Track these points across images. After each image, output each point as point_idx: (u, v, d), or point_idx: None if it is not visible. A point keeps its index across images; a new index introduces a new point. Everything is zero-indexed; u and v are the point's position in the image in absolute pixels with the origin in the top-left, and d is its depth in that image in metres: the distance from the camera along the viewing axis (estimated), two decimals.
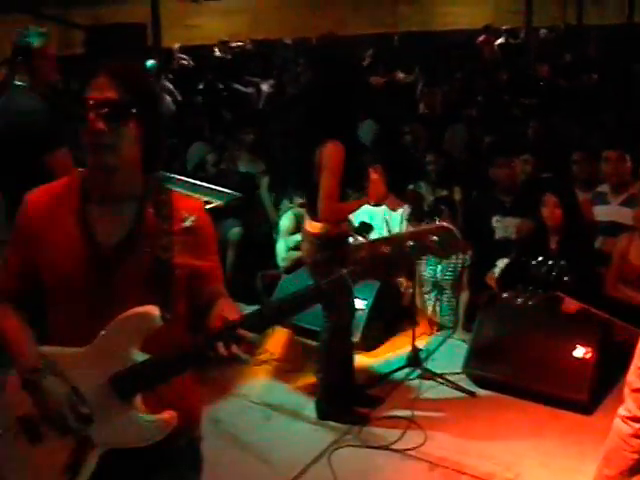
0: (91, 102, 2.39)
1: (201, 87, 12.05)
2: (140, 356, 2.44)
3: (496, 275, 6.13)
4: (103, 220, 2.52)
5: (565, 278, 5.51)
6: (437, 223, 2.27)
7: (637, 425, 3.64)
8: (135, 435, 2.49)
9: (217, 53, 15.07)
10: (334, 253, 4.79)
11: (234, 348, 2.30)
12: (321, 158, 4.74)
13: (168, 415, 2.47)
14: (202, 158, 8.05)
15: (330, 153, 4.71)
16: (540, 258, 5.15)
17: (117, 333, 2.44)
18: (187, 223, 2.56)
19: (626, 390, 3.69)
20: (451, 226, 2.28)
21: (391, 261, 2.25)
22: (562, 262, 5.59)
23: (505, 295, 5.82)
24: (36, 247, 2.54)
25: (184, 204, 2.62)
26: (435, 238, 2.24)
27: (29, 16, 11.04)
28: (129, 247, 2.50)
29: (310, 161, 4.79)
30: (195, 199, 2.73)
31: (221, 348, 2.30)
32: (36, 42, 4.90)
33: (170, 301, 2.50)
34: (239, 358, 2.31)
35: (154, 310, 2.41)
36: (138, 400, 2.47)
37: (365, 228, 4.87)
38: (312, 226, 4.89)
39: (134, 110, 2.42)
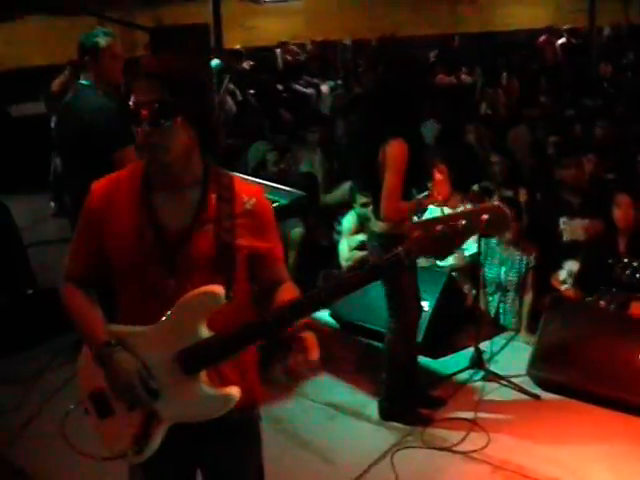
0: (134, 105, 2.47)
1: (258, 88, 12.10)
2: (206, 333, 2.54)
3: (561, 277, 6.06)
4: (167, 206, 2.61)
5: None
6: (489, 203, 2.33)
7: None
8: (201, 409, 2.60)
9: (280, 57, 15.12)
10: None
11: (298, 325, 2.49)
12: (385, 157, 4.71)
13: (233, 390, 2.59)
14: (263, 157, 8.06)
15: (393, 151, 4.68)
16: (625, 260, 5.09)
17: (184, 311, 2.55)
18: (248, 206, 2.64)
19: None
20: (502, 206, 2.31)
21: (445, 239, 2.28)
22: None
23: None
24: (103, 234, 2.64)
25: (244, 188, 2.69)
26: (486, 217, 2.27)
27: (93, 19, 11.18)
28: (194, 231, 2.59)
29: (374, 160, 4.77)
30: (255, 184, 2.82)
31: (286, 325, 2.51)
32: (103, 41, 4.97)
33: (232, 281, 2.59)
34: (302, 338, 2.51)
35: (219, 289, 2.52)
36: (203, 376, 2.57)
37: None
38: (376, 225, 4.87)
39: (178, 106, 2.47)
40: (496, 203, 2.33)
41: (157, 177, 2.61)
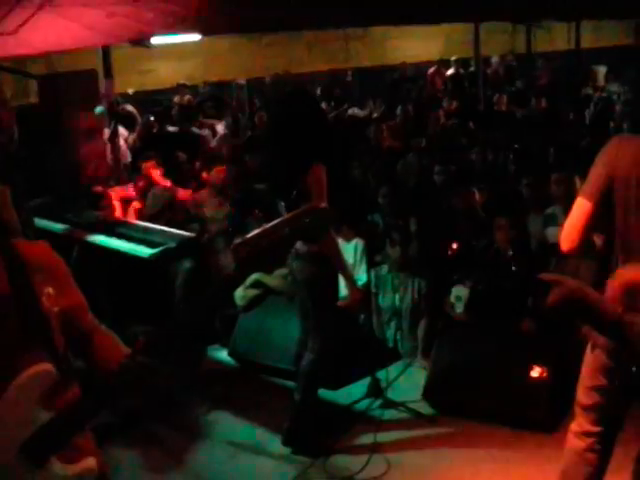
0: None
1: (150, 131, 12.13)
2: (45, 415, 2.30)
3: (450, 302, 6.20)
4: None
5: (528, 300, 5.62)
6: (309, 205, 2.25)
7: (590, 439, 3.70)
8: None
9: (176, 98, 15.09)
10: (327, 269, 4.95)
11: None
12: (310, 183, 4.70)
13: (89, 462, 2.39)
14: (165, 202, 7.99)
15: (317, 176, 4.71)
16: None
17: (15, 401, 2.28)
18: (42, 267, 2.44)
19: (577, 407, 3.77)
20: (322, 205, 2.28)
21: (273, 252, 2.24)
22: (525, 284, 5.71)
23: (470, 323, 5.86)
24: None
25: (31, 249, 2.49)
26: (307, 220, 2.26)
27: None
28: None
29: (294, 188, 4.79)
30: (39, 242, 2.58)
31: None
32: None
33: (59, 350, 2.41)
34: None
35: (47, 366, 2.31)
36: (54, 459, 2.31)
37: None
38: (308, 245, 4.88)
39: None
40: (315, 204, 2.28)
41: None
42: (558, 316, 2.62)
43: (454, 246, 6.26)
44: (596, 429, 3.68)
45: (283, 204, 5.07)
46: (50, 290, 2.42)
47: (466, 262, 6.49)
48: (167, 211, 7.64)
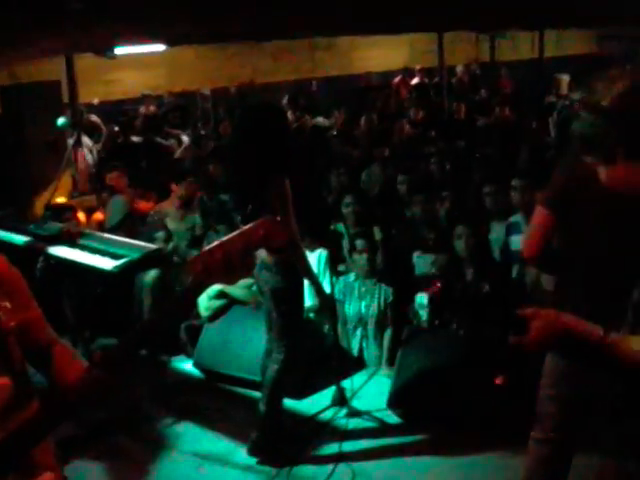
0: None
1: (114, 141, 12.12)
2: (2, 429, 2.26)
3: (414, 310, 6.23)
4: None
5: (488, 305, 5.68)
6: (261, 218, 2.28)
7: (551, 446, 3.75)
8: None
9: (141, 108, 15.04)
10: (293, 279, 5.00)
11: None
12: (274, 195, 4.77)
13: (47, 477, 2.37)
14: (126, 213, 8.00)
15: (283, 187, 4.78)
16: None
17: None
18: None
19: (538, 414, 3.81)
20: (274, 218, 2.29)
21: (229, 265, 2.21)
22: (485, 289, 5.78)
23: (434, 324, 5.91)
24: None
25: None
26: (261, 232, 2.22)
27: None
28: None
29: (260, 199, 4.84)
30: None
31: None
32: None
33: (16, 365, 2.40)
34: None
35: (4, 381, 2.32)
36: (11, 475, 2.27)
37: None
38: (273, 255, 4.92)
39: None
40: (266, 217, 2.29)
41: None
42: (541, 349, 2.65)
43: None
44: (556, 436, 3.73)
45: (239, 218, 5.09)
46: (7, 304, 2.40)
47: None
48: (128, 221, 7.64)
